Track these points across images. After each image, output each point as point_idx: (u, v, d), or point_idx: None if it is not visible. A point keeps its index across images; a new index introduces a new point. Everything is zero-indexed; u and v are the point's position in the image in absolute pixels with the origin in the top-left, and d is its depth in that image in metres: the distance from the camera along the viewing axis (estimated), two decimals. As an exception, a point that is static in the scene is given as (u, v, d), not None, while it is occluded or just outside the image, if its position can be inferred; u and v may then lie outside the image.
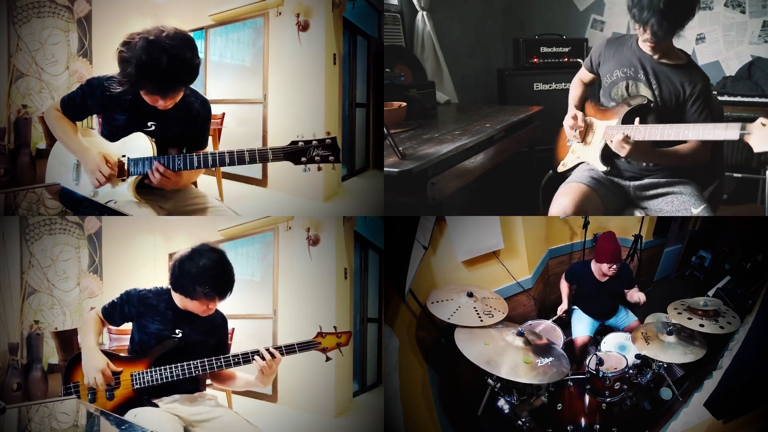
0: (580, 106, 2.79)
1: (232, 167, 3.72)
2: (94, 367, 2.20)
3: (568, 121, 2.74)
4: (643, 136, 2.46)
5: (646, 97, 2.50)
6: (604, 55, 2.65)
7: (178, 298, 2.27)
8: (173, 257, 2.28)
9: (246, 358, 2.25)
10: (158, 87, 2.18)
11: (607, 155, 2.61)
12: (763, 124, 2.12)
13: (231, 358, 2.25)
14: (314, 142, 2.24)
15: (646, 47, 2.48)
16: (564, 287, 3.29)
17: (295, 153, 2.25)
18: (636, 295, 3.17)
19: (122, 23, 3.39)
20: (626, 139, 2.40)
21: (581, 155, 2.71)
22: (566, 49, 4.10)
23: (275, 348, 2.26)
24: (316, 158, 2.24)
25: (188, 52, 2.16)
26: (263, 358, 2.23)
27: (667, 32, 2.33)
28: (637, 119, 2.47)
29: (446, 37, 4.25)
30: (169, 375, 2.22)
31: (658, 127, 2.39)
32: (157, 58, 2.10)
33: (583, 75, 2.77)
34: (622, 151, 2.43)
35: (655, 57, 2.49)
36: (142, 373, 2.23)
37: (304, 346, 2.29)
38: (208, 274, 2.18)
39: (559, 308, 3.24)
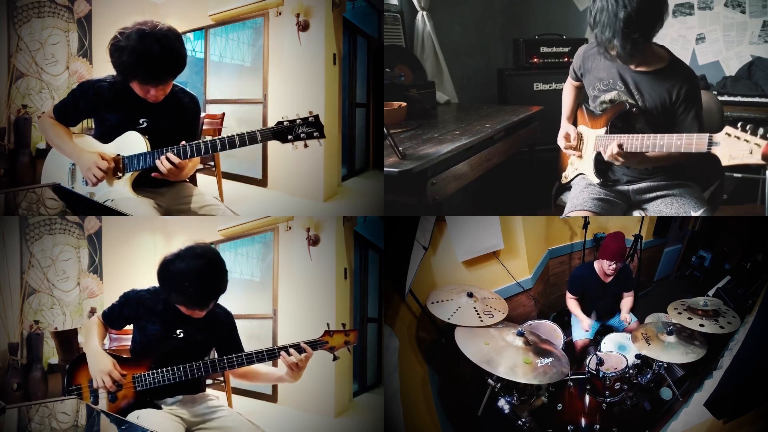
0: (573, 116, 2.77)
1: (231, 167, 3.75)
2: (100, 369, 2.20)
3: (561, 142, 2.72)
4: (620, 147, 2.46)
5: (626, 102, 2.45)
6: (583, 66, 2.60)
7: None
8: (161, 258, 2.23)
9: (250, 358, 2.23)
10: (151, 74, 2.26)
11: (601, 166, 2.59)
12: (728, 134, 2.05)
13: (235, 358, 2.23)
14: (298, 121, 2.33)
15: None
16: (572, 304, 3.22)
17: (281, 132, 2.33)
18: (625, 315, 3.20)
19: (122, 23, 3.37)
20: (619, 152, 2.35)
21: (578, 167, 2.71)
22: (566, 49, 4.10)
23: (281, 349, 2.22)
24: (302, 135, 2.33)
25: (177, 42, 2.29)
26: (288, 354, 2.18)
27: (634, 49, 2.23)
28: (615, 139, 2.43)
29: (446, 37, 4.25)
30: (171, 377, 2.20)
31: (633, 138, 2.35)
32: (150, 46, 2.22)
33: (572, 82, 2.74)
34: (617, 162, 2.41)
35: (633, 66, 2.40)
36: (144, 375, 2.22)
37: (311, 345, 2.25)
38: (185, 284, 2.13)
39: (584, 324, 3.15)
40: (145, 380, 2.22)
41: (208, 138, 2.35)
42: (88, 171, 2.35)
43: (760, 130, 2.00)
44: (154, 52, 2.22)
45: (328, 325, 2.29)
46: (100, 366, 2.20)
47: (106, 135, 2.39)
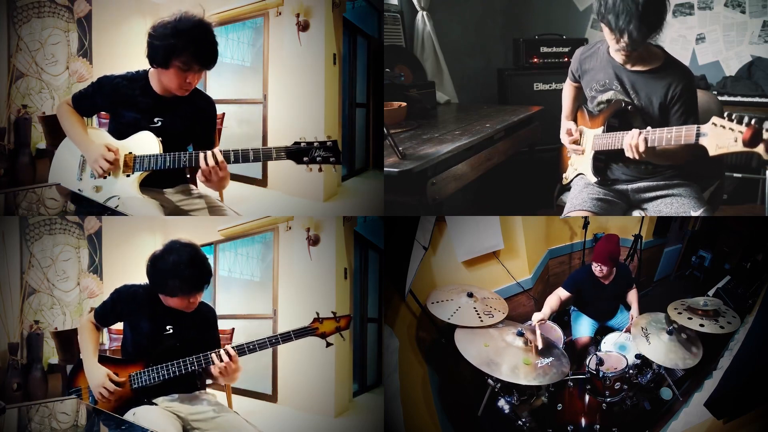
0: (572, 116, 2.77)
1: (231, 168, 3.74)
2: (95, 384, 2.26)
3: (564, 138, 2.73)
4: (607, 146, 2.46)
5: (621, 100, 2.45)
6: (581, 68, 2.61)
7: (162, 297, 2.31)
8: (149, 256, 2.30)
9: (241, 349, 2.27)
10: (201, 53, 2.29)
11: (599, 165, 2.59)
12: (715, 124, 2.06)
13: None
14: (316, 144, 2.32)
15: (618, 57, 2.40)
16: (552, 297, 3.04)
17: (297, 152, 2.32)
18: (635, 312, 3.15)
19: (122, 23, 3.39)
20: (637, 147, 2.30)
21: (578, 167, 2.72)
22: (566, 49, 4.10)
23: (272, 338, 2.27)
24: (318, 159, 2.32)
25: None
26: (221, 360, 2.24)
27: (645, 37, 2.24)
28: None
29: (446, 37, 4.25)
30: (165, 373, 2.24)
31: (621, 136, 2.35)
32: (206, 29, 2.32)
33: (571, 83, 2.75)
34: (636, 156, 2.35)
35: (628, 66, 2.41)
36: (140, 373, 2.25)
37: (300, 333, 2.30)
38: (182, 269, 2.21)
39: (535, 315, 2.87)
40: (140, 378, 2.25)
41: (222, 150, 2.33)
42: (94, 163, 2.37)
43: (745, 119, 2.01)
44: (207, 35, 2.29)
45: (317, 313, 2.33)
46: (95, 381, 2.26)
47: (120, 131, 2.41)
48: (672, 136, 2.21)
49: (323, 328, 2.31)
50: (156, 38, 2.27)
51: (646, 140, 2.28)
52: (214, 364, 2.23)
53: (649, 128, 2.31)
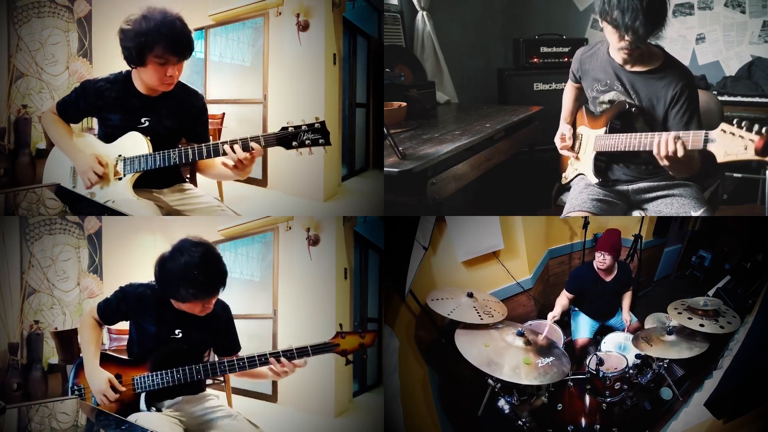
0: (572, 117, 2.76)
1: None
2: (97, 389, 2.18)
3: (557, 142, 2.73)
4: (610, 147, 2.45)
5: (625, 102, 2.45)
6: (581, 68, 2.60)
7: (173, 301, 2.20)
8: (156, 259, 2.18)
9: (252, 361, 2.20)
10: (173, 44, 2.24)
11: (600, 166, 2.59)
12: (724, 131, 2.05)
13: (236, 362, 2.20)
14: (303, 127, 2.27)
15: (619, 57, 2.39)
16: (560, 299, 3.16)
17: (286, 138, 2.28)
18: (626, 315, 3.17)
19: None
20: (675, 152, 2.18)
21: (578, 167, 2.71)
22: (566, 49, 4.10)
23: (287, 352, 2.16)
24: (307, 142, 2.27)
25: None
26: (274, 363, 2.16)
27: (648, 34, 2.23)
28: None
29: (446, 37, 4.26)
30: (170, 379, 2.16)
31: (631, 137, 2.35)
32: (173, 20, 2.25)
33: (572, 83, 2.74)
34: (678, 154, 2.22)
35: (628, 67, 2.40)
36: (144, 377, 2.18)
37: (319, 349, 2.15)
38: (194, 273, 2.06)
39: (550, 315, 3.09)
40: (144, 382, 2.18)
41: (211, 143, 2.32)
42: (83, 174, 2.37)
43: (755, 127, 2.00)
44: (176, 25, 2.24)
45: (341, 326, 2.22)
46: (96, 386, 2.18)
47: (108, 135, 2.40)
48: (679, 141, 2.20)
49: (345, 344, 2.14)
50: (127, 38, 2.25)
51: (684, 145, 2.16)
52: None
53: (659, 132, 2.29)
